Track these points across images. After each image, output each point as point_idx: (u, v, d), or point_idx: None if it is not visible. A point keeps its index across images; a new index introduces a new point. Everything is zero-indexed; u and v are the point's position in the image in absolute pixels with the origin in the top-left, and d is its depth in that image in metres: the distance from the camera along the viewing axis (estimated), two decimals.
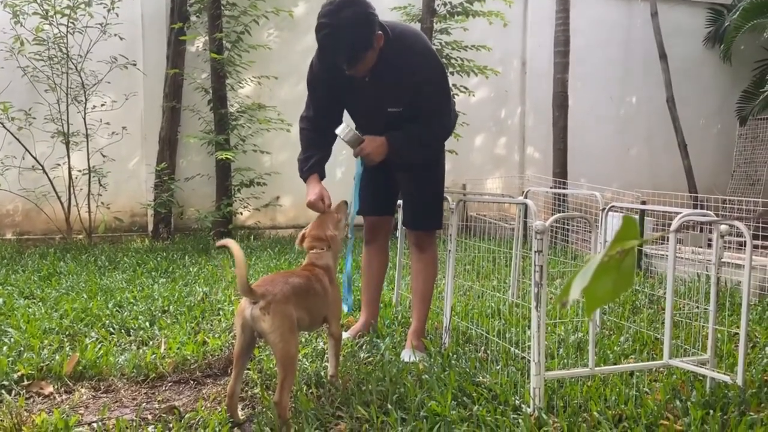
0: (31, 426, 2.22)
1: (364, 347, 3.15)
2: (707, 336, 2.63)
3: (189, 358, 2.91)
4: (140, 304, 3.89)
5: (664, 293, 3.59)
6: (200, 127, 7.26)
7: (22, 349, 2.99)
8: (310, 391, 2.57)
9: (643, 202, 5.62)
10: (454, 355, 2.94)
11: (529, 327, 2.67)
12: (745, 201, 5.29)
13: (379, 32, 2.68)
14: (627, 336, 3.35)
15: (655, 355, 3.05)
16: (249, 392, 2.61)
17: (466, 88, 7.76)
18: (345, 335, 3.25)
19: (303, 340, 3.17)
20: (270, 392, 2.54)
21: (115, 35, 6.59)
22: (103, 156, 6.80)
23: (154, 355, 2.92)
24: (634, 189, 6.68)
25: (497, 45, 8.23)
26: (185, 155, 7.48)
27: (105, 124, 6.82)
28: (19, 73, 6.44)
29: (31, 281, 4.58)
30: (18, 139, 6.45)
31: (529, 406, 2.33)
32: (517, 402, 2.40)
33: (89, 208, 6.67)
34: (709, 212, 2.82)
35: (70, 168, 6.58)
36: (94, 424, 2.30)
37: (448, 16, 7.59)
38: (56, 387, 2.65)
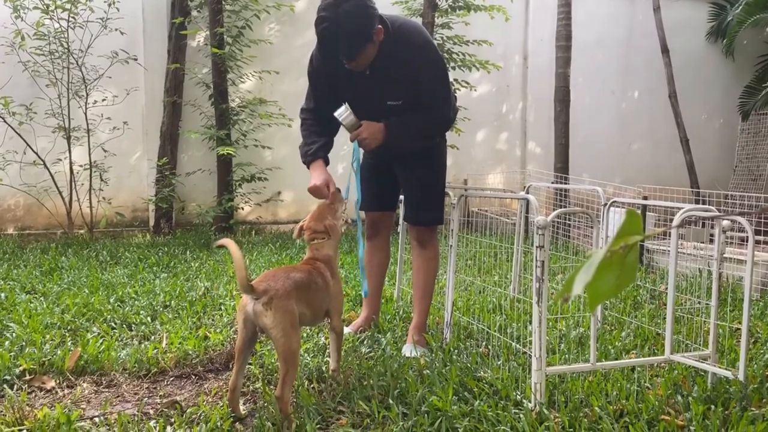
0: (33, 420, 2.23)
1: (365, 342, 3.15)
2: (709, 331, 2.63)
3: (190, 353, 2.92)
4: (142, 299, 3.89)
5: (666, 288, 3.58)
6: (201, 122, 7.25)
7: (24, 343, 2.99)
8: (312, 386, 2.57)
9: (645, 198, 5.61)
10: (456, 350, 2.94)
11: (531, 322, 2.67)
12: (747, 196, 5.28)
13: (379, 26, 2.68)
14: (628, 331, 3.35)
15: (656, 351, 3.05)
16: (251, 387, 2.61)
17: (467, 82, 7.74)
18: (346, 330, 3.25)
19: (304, 335, 3.18)
20: (271, 387, 2.55)
21: (116, 30, 6.58)
22: (105, 151, 6.80)
23: (155, 350, 2.92)
24: (636, 184, 6.68)
25: (499, 40, 8.21)
26: (186, 150, 7.48)
27: (106, 119, 6.81)
28: (20, 68, 6.43)
29: (32, 276, 4.59)
30: (19, 134, 6.45)
31: (530, 401, 2.33)
32: (518, 397, 2.40)
33: (90, 203, 6.67)
34: (711, 207, 2.81)
35: (71, 163, 6.57)
36: (96, 419, 2.30)
37: (449, 10, 7.57)
38: (58, 382, 2.66)
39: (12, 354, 2.82)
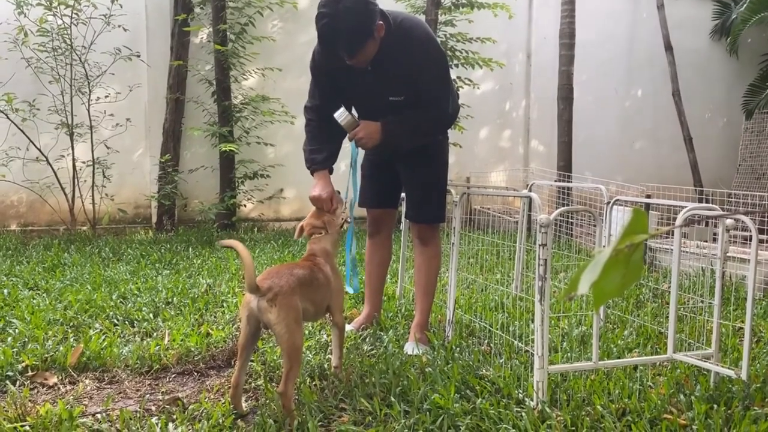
0: (36, 416, 2.23)
1: (367, 340, 3.15)
2: (711, 330, 2.62)
3: (192, 349, 2.92)
4: (144, 296, 3.90)
5: (668, 287, 3.57)
6: (204, 118, 7.25)
7: (26, 339, 3.00)
8: (314, 383, 2.57)
9: (648, 196, 5.60)
10: (458, 348, 2.94)
11: (533, 320, 2.67)
12: (750, 195, 5.26)
13: (380, 22, 2.67)
14: (631, 330, 3.34)
15: (659, 349, 3.05)
16: (252, 384, 2.61)
17: (470, 80, 7.73)
18: (348, 327, 3.25)
19: (306, 332, 3.18)
20: (273, 384, 2.55)
21: (119, 26, 6.57)
22: (107, 147, 6.80)
23: (157, 347, 2.92)
24: (639, 183, 6.66)
25: (502, 37, 8.19)
26: (189, 147, 7.48)
27: (109, 116, 6.82)
28: (23, 65, 6.44)
29: (35, 272, 4.59)
30: (22, 131, 6.45)
31: (532, 400, 2.33)
32: (520, 395, 2.40)
33: (93, 199, 6.68)
34: (714, 206, 2.81)
35: (74, 159, 6.58)
36: (98, 415, 2.30)
37: (453, 8, 7.55)
38: (60, 378, 2.66)
39: (14, 350, 2.83)
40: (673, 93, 8.14)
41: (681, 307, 3.45)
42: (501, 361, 2.77)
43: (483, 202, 8.21)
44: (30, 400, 2.40)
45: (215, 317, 3.51)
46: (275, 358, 2.80)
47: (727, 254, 2.57)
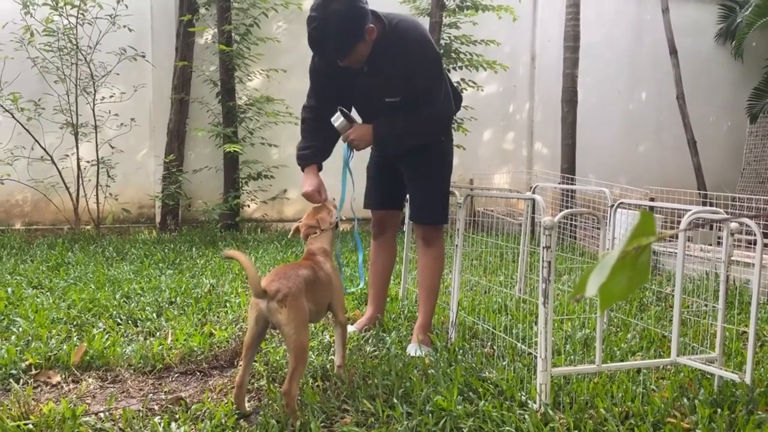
0: (39, 415, 2.23)
1: (370, 341, 3.15)
2: (715, 334, 2.62)
3: (196, 349, 2.92)
4: (147, 296, 3.90)
5: (672, 291, 3.57)
6: (208, 119, 7.27)
7: (30, 338, 3.01)
8: (316, 384, 2.57)
9: (652, 199, 5.59)
10: (461, 350, 2.94)
11: (536, 323, 2.67)
12: (755, 199, 5.25)
13: (371, 25, 2.68)
14: (634, 333, 3.34)
15: (662, 353, 3.04)
16: (255, 384, 2.61)
17: (474, 82, 7.73)
18: (351, 328, 3.25)
19: (309, 333, 3.18)
20: (276, 384, 2.55)
21: (125, 27, 6.59)
22: (112, 147, 6.82)
23: (161, 346, 2.93)
24: (643, 185, 6.65)
25: (507, 40, 8.19)
26: (193, 147, 7.49)
27: (114, 116, 6.83)
28: (28, 64, 6.46)
29: (39, 271, 4.61)
30: (27, 130, 6.48)
31: (535, 402, 2.33)
32: (523, 398, 2.40)
33: (97, 199, 6.69)
34: (719, 210, 2.80)
35: (78, 159, 6.60)
36: (101, 414, 2.31)
37: (457, 10, 7.56)
38: (64, 376, 2.67)
39: (18, 348, 2.84)
40: (678, 96, 8.12)
41: (685, 311, 3.44)
42: (504, 363, 2.77)
43: (486, 204, 8.20)
44: (33, 399, 2.40)
45: (218, 317, 3.51)
46: (278, 358, 2.81)
47: (732, 258, 2.56)
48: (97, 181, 6.68)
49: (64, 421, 2.18)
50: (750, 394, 2.40)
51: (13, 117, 6.40)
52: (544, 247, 2.32)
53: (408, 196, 3.28)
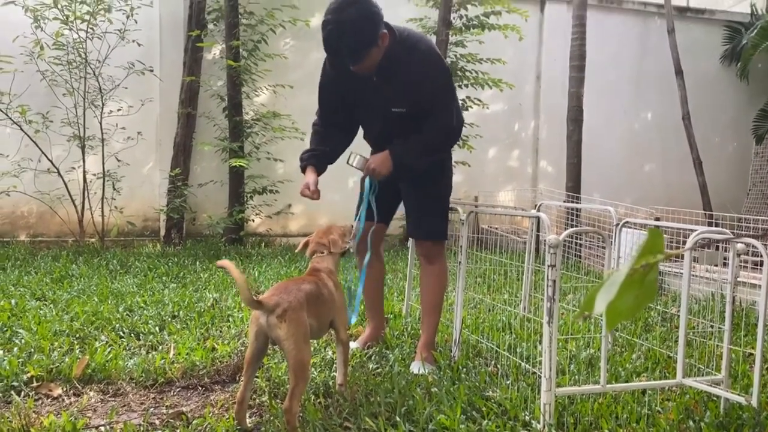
0: (39, 428, 2.22)
1: (372, 358, 3.13)
2: (721, 356, 2.59)
3: (198, 363, 2.91)
4: (150, 309, 3.90)
5: (678, 311, 3.54)
6: (215, 133, 7.30)
7: (32, 350, 3.00)
8: (318, 400, 2.55)
9: (657, 219, 5.58)
10: (464, 369, 2.92)
11: (541, 342, 2.65)
12: (761, 220, 5.23)
13: (384, 31, 2.71)
14: (639, 353, 3.31)
15: (667, 374, 3.01)
16: (257, 400, 2.59)
17: (480, 100, 7.76)
18: (353, 345, 3.23)
19: (312, 349, 3.16)
20: (278, 401, 2.53)
21: (134, 41, 6.66)
22: (118, 160, 6.85)
23: (163, 360, 2.91)
24: (648, 205, 6.64)
25: (512, 58, 8.23)
26: (199, 161, 7.52)
27: (121, 129, 6.88)
28: (38, 77, 6.52)
29: (43, 283, 4.61)
30: (35, 142, 6.52)
31: (539, 423, 2.30)
32: (527, 418, 2.37)
33: (102, 211, 6.71)
34: (725, 230, 2.79)
35: (84, 171, 6.63)
36: (102, 428, 2.29)
37: (463, 28, 7.61)
38: (65, 389, 2.65)
39: (20, 360, 2.83)
40: (683, 116, 8.13)
41: (690, 332, 3.41)
42: (508, 382, 2.74)
43: (491, 222, 8.19)
44: (34, 411, 2.39)
45: (221, 332, 3.50)
46: (280, 374, 2.79)
47: (738, 279, 2.54)
48: (103, 194, 6.71)
49: None
50: (757, 417, 2.37)
51: (21, 129, 6.45)
52: (549, 266, 2.31)
53: (405, 212, 3.26)
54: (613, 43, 9.04)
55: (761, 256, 2.44)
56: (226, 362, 2.96)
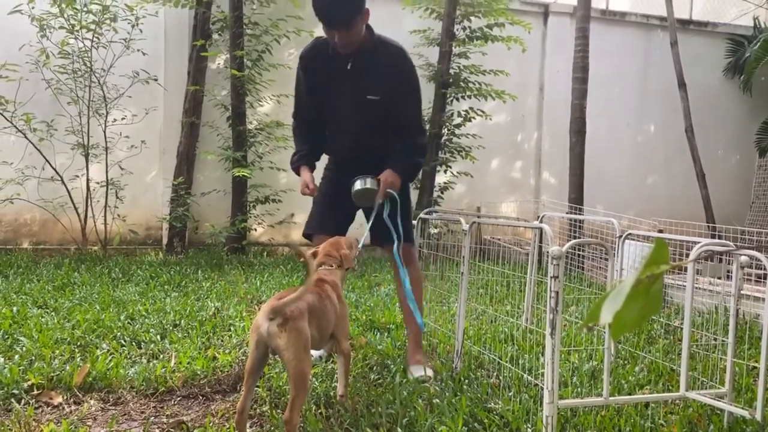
0: None
1: (374, 369, 3.11)
2: (725, 369, 2.58)
3: (199, 373, 2.90)
4: (152, 318, 3.89)
5: (681, 324, 3.52)
6: (218, 143, 7.32)
7: (33, 358, 2.99)
8: (319, 411, 2.54)
9: (660, 231, 5.56)
10: (466, 380, 2.90)
11: (543, 354, 2.63)
12: (765, 233, 5.21)
13: (367, 8, 2.95)
14: (642, 366, 3.29)
15: (670, 387, 2.99)
16: (258, 410, 2.58)
17: (483, 111, 7.77)
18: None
19: (313, 359, 3.15)
20: (279, 411, 2.52)
21: (138, 50, 6.69)
22: (122, 169, 6.87)
23: (164, 369, 2.91)
24: (651, 217, 6.62)
25: (515, 70, 8.26)
26: (202, 170, 7.54)
27: (124, 138, 6.90)
28: (43, 86, 6.55)
29: (45, 291, 4.61)
30: (39, 150, 6.54)
31: None
32: (529, 430, 2.36)
33: (105, 219, 6.72)
34: (728, 243, 2.78)
35: (88, 180, 6.65)
36: None
37: (467, 40, 7.64)
38: (65, 398, 2.65)
39: (21, 368, 2.82)
40: (686, 129, 8.12)
41: (694, 344, 3.40)
42: (510, 394, 2.73)
43: (494, 233, 8.18)
44: (34, 420, 2.38)
45: (222, 341, 3.49)
46: (281, 384, 2.78)
47: (741, 292, 2.53)
48: (106, 202, 6.72)
49: None
50: (761, 431, 2.36)
51: (26, 137, 6.48)
52: (551, 277, 2.30)
53: (374, 221, 3.20)
54: (616, 56, 9.07)
55: (765, 269, 2.43)
56: (227, 372, 2.95)
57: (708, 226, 7.49)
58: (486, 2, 7.51)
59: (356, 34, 2.97)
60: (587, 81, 7.30)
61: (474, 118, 7.75)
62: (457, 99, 7.78)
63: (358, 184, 3.06)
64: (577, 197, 7.31)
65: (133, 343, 3.39)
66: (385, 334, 3.77)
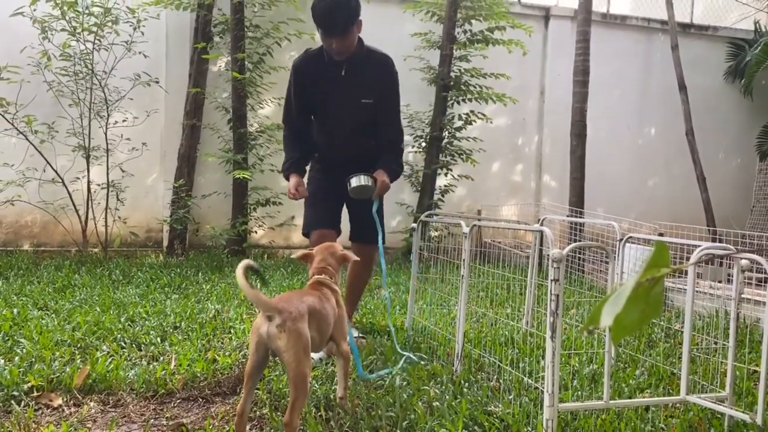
0: None
1: (374, 371, 3.11)
2: (725, 373, 2.57)
3: (199, 375, 2.90)
4: (152, 320, 3.89)
5: (681, 327, 3.52)
6: (219, 145, 7.33)
7: (33, 360, 2.99)
8: (319, 414, 2.54)
9: (661, 234, 5.56)
10: (466, 383, 2.90)
11: (543, 357, 2.63)
12: (766, 236, 5.21)
13: (361, 18, 3.21)
14: (642, 369, 3.29)
15: (671, 390, 2.99)
16: (257, 412, 2.58)
17: (483, 114, 7.78)
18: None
19: (312, 363, 3.14)
20: (278, 413, 2.52)
21: (140, 53, 6.70)
22: (122, 171, 6.88)
23: (164, 371, 2.90)
24: (652, 220, 6.62)
25: (516, 73, 8.26)
26: (203, 173, 7.54)
27: (125, 140, 6.91)
28: (44, 88, 6.56)
29: (45, 293, 4.61)
30: (40, 152, 6.55)
31: None
32: None
33: (106, 221, 6.73)
34: (729, 246, 2.78)
35: (89, 182, 6.65)
36: None
37: (467, 43, 7.65)
38: (65, 399, 2.64)
39: (21, 370, 2.82)
40: (687, 132, 8.13)
41: (694, 348, 3.39)
42: (510, 397, 2.73)
43: (494, 236, 8.18)
44: (34, 422, 2.38)
45: (222, 343, 3.49)
46: (281, 386, 2.78)
47: (742, 295, 2.53)
48: (107, 204, 6.72)
49: None
50: None
51: (27, 139, 6.48)
52: (552, 280, 2.30)
53: (355, 221, 3.66)
54: (617, 59, 9.07)
55: (765, 272, 2.43)
56: (227, 374, 2.95)
57: (709, 230, 7.49)
58: (487, 5, 7.52)
59: (351, 42, 3.23)
60: (588, 84, 7.30)
61: (475, 121, 7.75)
62: (458, 102, 7.79)
63: (354, 181, 3.34)
64: (577, 200, 7.31)
65: (134, 345, 3.39)
66: (385, 336, 3.77)
